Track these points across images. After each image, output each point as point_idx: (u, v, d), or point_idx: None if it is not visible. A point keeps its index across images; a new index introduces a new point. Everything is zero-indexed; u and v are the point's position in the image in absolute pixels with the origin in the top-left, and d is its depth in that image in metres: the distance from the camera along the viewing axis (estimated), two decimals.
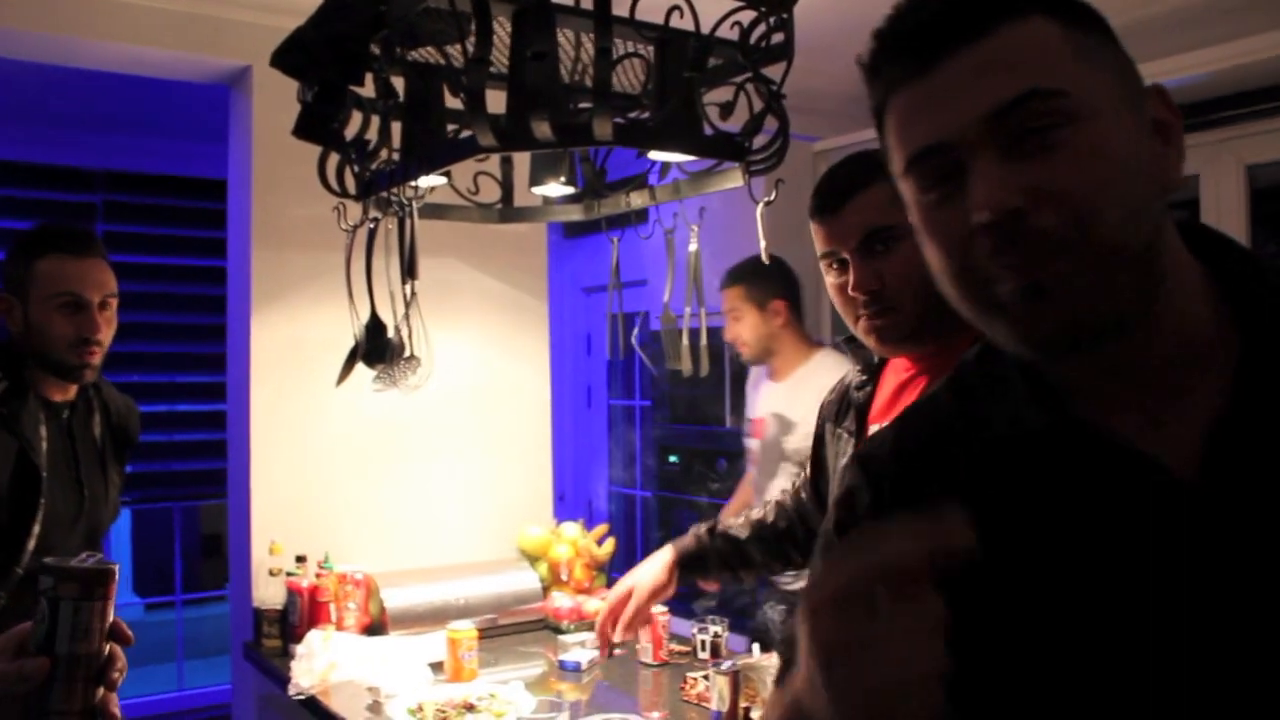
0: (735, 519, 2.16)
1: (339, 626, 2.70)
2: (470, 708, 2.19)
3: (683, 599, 4.15)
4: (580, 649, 2.65)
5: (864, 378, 1.77)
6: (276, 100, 2.83)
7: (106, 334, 2.14)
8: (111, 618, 1.04)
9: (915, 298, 1.50)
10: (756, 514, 2.13)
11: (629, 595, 2.09)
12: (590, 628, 2.85)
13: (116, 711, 1.05)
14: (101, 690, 1.03)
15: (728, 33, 1.86)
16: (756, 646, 2.42)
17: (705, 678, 2.27)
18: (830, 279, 1.62)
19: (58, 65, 3.09)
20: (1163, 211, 0.78)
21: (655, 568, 2.09)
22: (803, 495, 2.05)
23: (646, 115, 2.10)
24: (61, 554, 2.02)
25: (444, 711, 2.17)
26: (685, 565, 2.11)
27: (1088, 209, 0.74)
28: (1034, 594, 0.80)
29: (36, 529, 2.05)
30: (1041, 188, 0.74)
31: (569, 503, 5.41)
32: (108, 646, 1.04)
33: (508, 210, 2.48)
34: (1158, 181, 0.78)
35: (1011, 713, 0.81)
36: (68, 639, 1.01)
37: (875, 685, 0.65)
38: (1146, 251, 0.76)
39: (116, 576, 1.05)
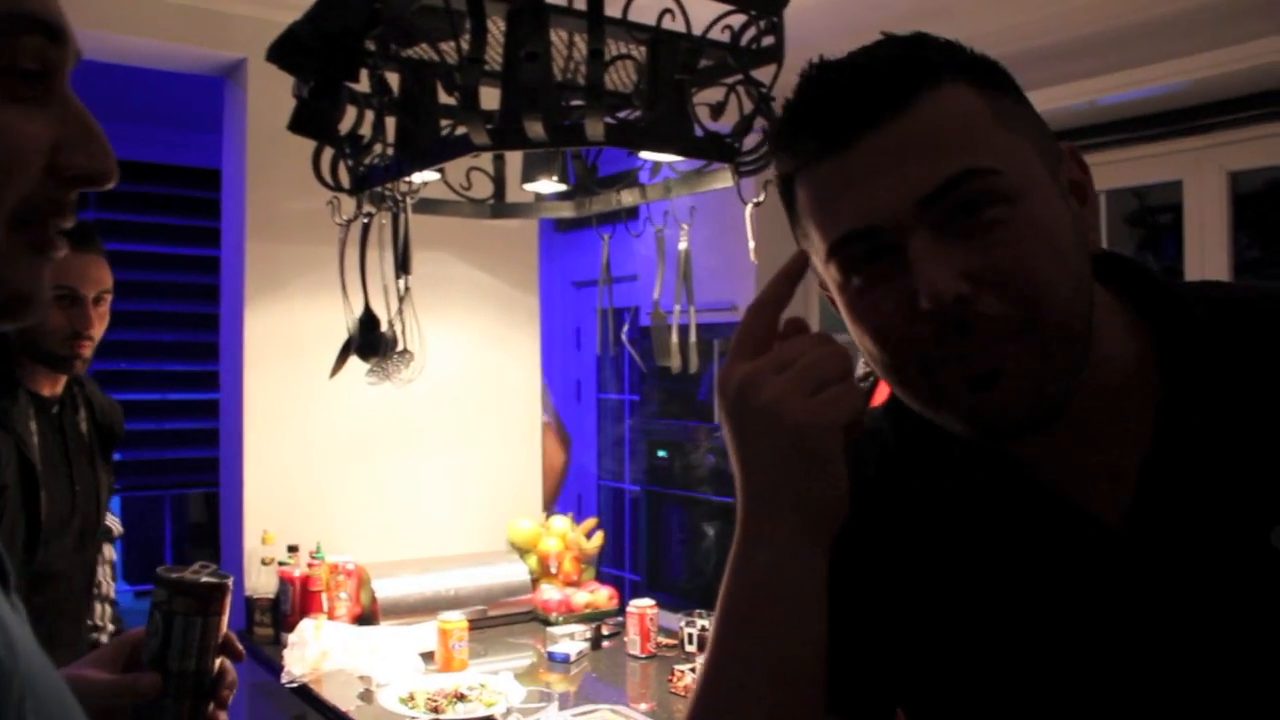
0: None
1: (330, 616, 2.73)
2: (461, 697, 2.23)
3: (669, 592, 4.18)
4: (569, 640, 2.68)
5: (867, 370, 1.80)
6: (272, 93, 2.84)
7: (99, 329, 2.16)
8: (224, 631, 1.03)
9: None
10: None
11: None
12: (578, 620, 2.89)
13: None
14: (212, 707, 1.02)
15: (720, 35, 1.89)
16: None
17: (693, 670, 2.31)
18: None
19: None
20: (1090, 275, 0.75)
21: None
22: None
23: (638, 115, 2.13)
24: (57, 552, 2.07)
25: (435, 700, 2.21)
26: None
27: (1035, 291, 0.71)
28: (965, 631, 0.81)
29: (41, 527, 2.06)
30: (984, 272, 0.71)
31: (560, 497, 5.43)
32: (219, 661, 1.03)
33: (500, 206, 2.51)
34: (1085, 247, 0.75)
35: None
36: (179, 655, 0.99)
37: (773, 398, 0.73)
38: (1087, 323, 0.74)
39: (231, 590, 1.03)
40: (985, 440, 0.77)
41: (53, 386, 2.18)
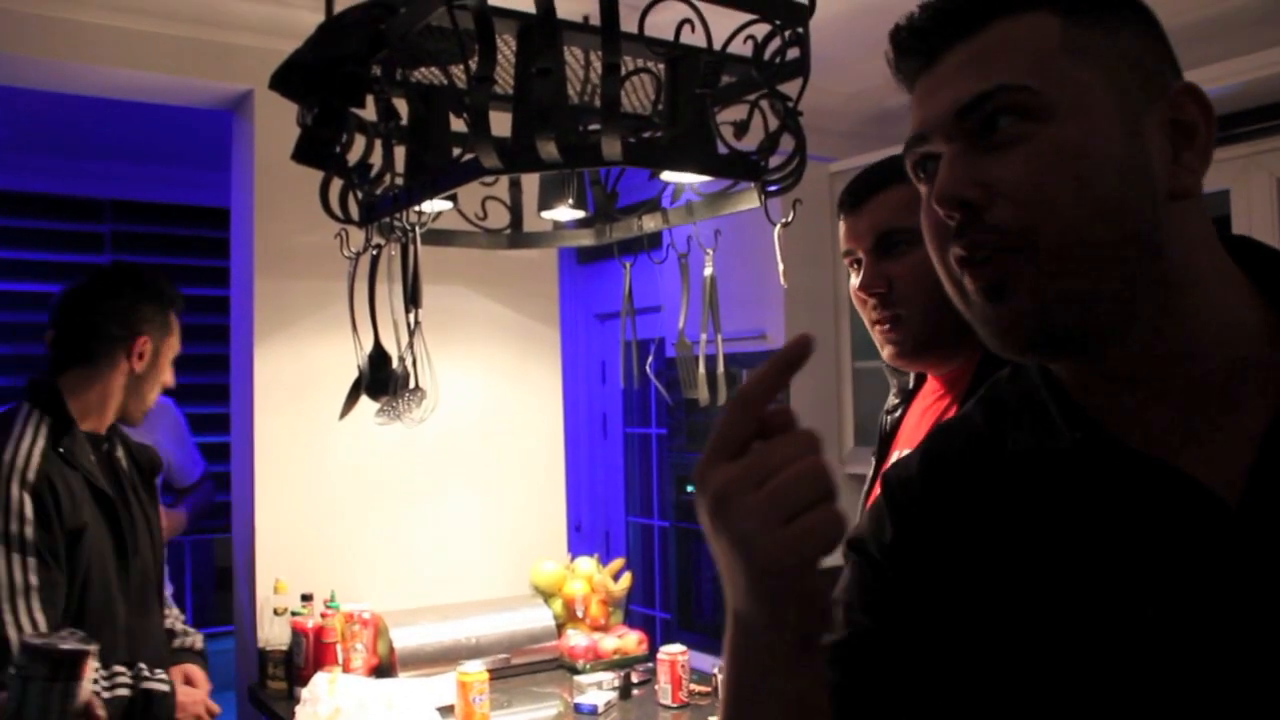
0: None
1: (346, 668, 2.61)
2: None
3: (702, 632, 4.05)
4: (597, 690, 2.55)
5: (896, 402, 1.70)
6: (278, 124, 2.77)
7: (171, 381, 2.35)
8: (83, 698, 1.03)
9: (924, 306, 1.46)
10: None
11: None
12: (607, 667, 2.76)
13: None
14: None
15: (742, 49, 1.79)
16: None
17: None
18: (851, 280, 1.58)
19: (64, 93, 3.05)
20: (1157, 215, 0.75)
21: None
22: None
23: (658, 134, 2.03)
24: (136, 582, 2.07)
25: None
26: None
27: (1043, 208, 0.73)
28: (1062, 612, 0.78)
29: (127, 553, 2.12)
30: (997, 183, 0.75)
31: (586, 534, 5.32)
32: None
33: (516, 236, 2.41)
34: (1153, 183, 0.75)
35: None
36: (35, 718, 1.01)
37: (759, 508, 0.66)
38: (1122, 255, 0.74)
39: (92, 658, 1.05)
40: (1005, 354, 0.79)
41: (98, 424, 2.21)
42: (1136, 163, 0.74)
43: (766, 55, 1.76)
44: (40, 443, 2.01)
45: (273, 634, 2.72)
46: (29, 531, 1.89)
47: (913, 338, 1.50)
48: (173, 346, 2.28)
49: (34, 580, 1.85)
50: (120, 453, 2.28)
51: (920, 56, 0.81)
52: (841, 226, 1.59)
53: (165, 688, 2.01)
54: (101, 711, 1.02)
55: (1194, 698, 0.72)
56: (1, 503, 1.90)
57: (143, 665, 2.01)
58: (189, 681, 2.26)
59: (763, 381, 0.70)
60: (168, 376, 2.29)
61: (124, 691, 1.85)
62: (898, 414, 1.69)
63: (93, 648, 1.02)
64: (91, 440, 2.17)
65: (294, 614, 2.70)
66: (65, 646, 1.02)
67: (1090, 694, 0.76)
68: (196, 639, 2.42)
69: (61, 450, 2.04)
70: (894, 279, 1.49)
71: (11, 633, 1.73)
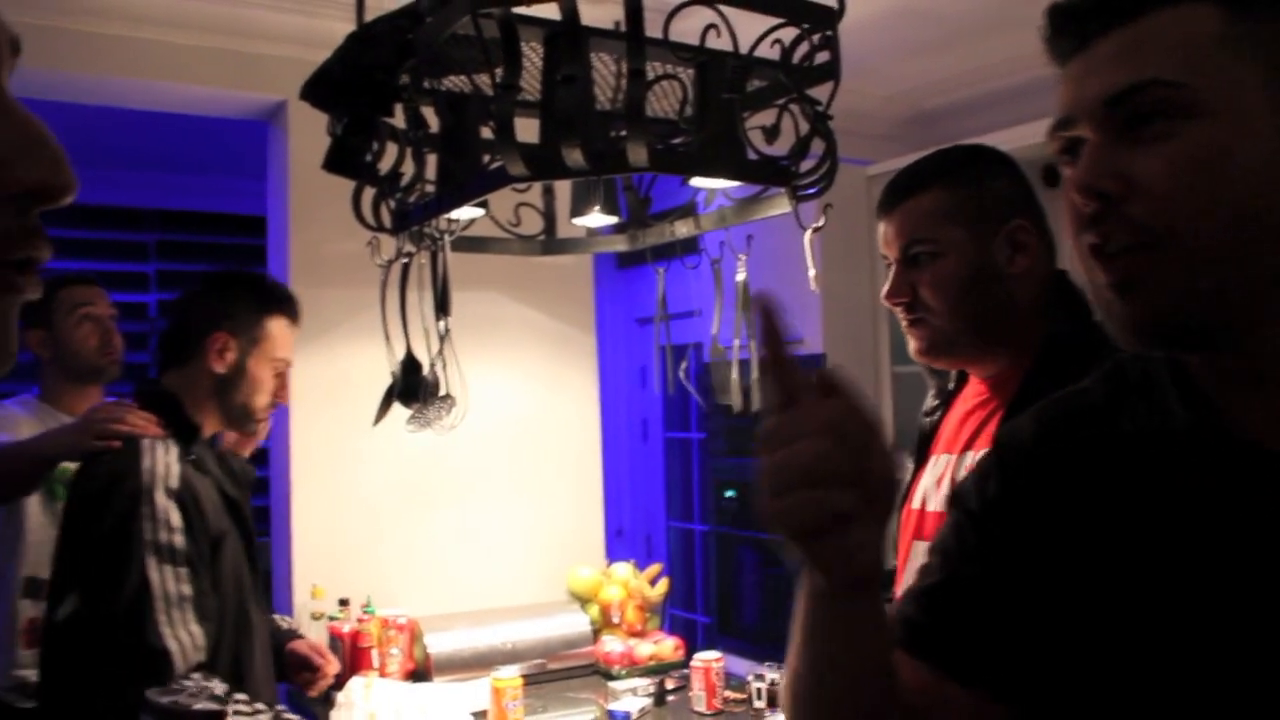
0: None
1: (382, 673, 2.62)
2: None
3: (742, 638, 4.02)
4: (631, 696, 2.55)
5: (935, 403, 1.69)
6: (312, 134, 2.78)
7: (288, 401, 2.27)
8: None
9: (947, 313, 1.48)
10: None
11: None
12: (642, 673, 2.75)
13: None
14: None
15: (772, 53, 1.77)
16: None
17: None
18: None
19: (107, 106, 3.10)
20: None
21: None
22: None
23: (688, 140, 2.02)
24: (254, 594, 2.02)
25: None
26: None
27: (1181, 208, 0.73)
28: (1161, 589, 0.79)
29: (255, 555, 2.10)
30: (1138, 178, 0.74)
31: (627, 538, 5.31)
32: None
33: (550, 242, 2.41)
34: None
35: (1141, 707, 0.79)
36: None
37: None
38: (1256, 255, 0.73)
39: (227, 715, 0.95)
40: (1134, 345, 0.80)
41: (210, 430, 2.12)
42: None
43: (795, 59, 1.75)
44: (173, 449, 1.94)
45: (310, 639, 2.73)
46: (179, 540, 1.82)
47: (936, 340, 1.51)
48: (268, 355, 2.11)
49: (187, 590, 1.79)
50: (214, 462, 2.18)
51: (1074, 38, 0.80)
52: (879, 227, 1.59)
53: None
54: None
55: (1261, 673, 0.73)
56: (149, 512, 1.82)
57: (282, 709, 1.89)
58: (318, 652, 2.31)
59: (767, 344, 0.73)
60: (267, 390, 2.12)
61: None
62: (936, 416, 1.67)
63: (228, 708, 0.92)
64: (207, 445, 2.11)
65: (331, 619, 2.72)
66: (198, 707, 0.91)
67: (1173, 664, 0.77)
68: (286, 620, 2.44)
69: (192, 457, 1.97)
70: (917, 288, 1.50)
71: (172, 645, 1.71)
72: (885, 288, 1.55)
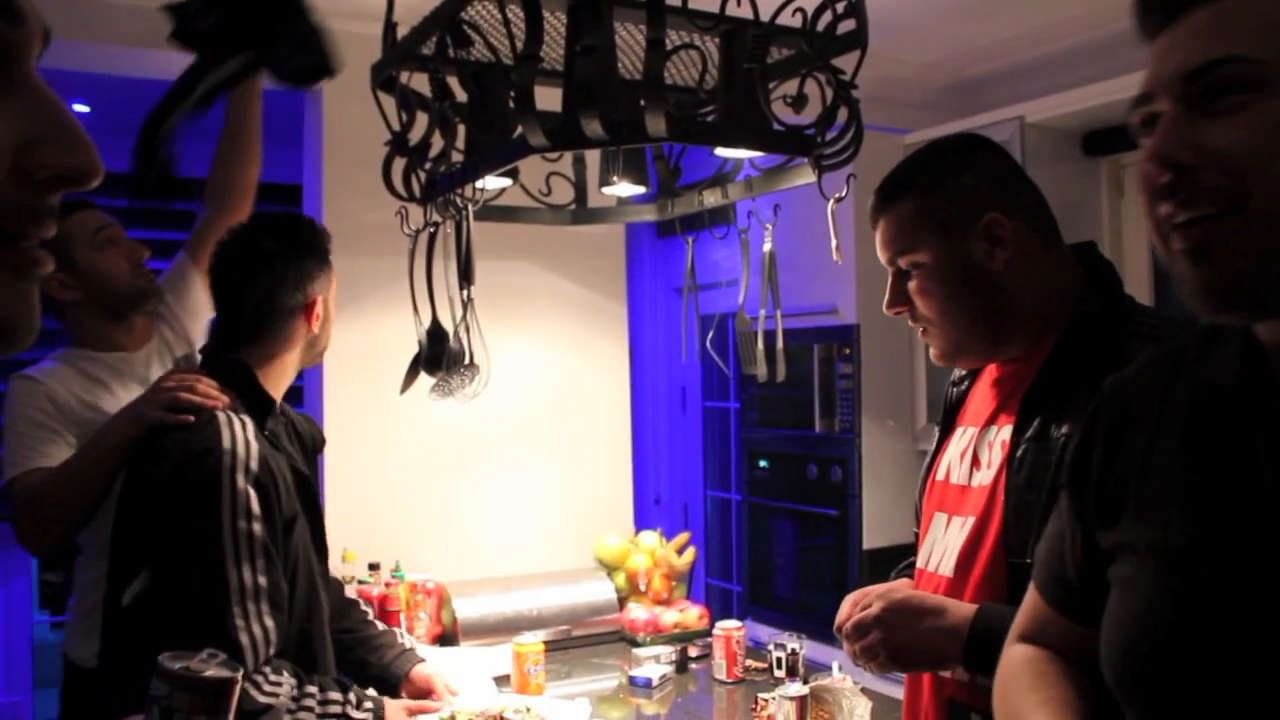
0: None
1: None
2: None
3: (772, 608, 4.04)
4: (653, 664, 2.57)
5: (962, 374, 1.68)
6: (346, 104, 2.82)
7: None
8: None
9: (944, 324, 1.48)
10: None
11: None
12: (666, 640, 2.77)
13: None
14: None
15: (792, 20, 1.76)
16: (837, 665, 2.30)
17: (777, 698, 2.17)
18: None
19: (152, 79, 3.14)
20: None
21: None
22: None
23: (712, 110, 2.01)
24: (322, 572, 1.97)
25: None
26: None
27: (1253, 176, 0.75)
28: (1196, 534, 0.87)
29: (324, 537, 2.04)
30: (1214, 148, 0.77)
31: (665, 506, 5.33)
32: None
33: (580, 211, 2.42)
34: None
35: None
36: None
37: None
38: None
39: (238, 684, 0.94)
40: (1205, 311, 0.82)
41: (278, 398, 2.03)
42: None
43: (819, 28, 1.74)
44: (250, 426, 1.81)
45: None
46: (256, 529, 1.72)
47: (945, 347, 1.52)
48: (334, 296, 2.05)
49: (262, 581, 1.71)
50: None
51: (1161, 14, 0.83)
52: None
53: (369, 717, 1.84)
54: None
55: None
56: (228, 497, 1.71)
57: (353, 694, 1.85)
58: (448, 689, 2.16)
59: None
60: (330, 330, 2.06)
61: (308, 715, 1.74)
62: (964, 386, 1.66)
63: (239, 673, 0.91)
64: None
65: (360, 583, 2.76)
66: (209, 674, 0.89)
67: (1207, 597, 0.84)
68: (408, 639, 2.31)
69: (267, 433, 1.87)
70: (912, 298, 1.50)
71: (244, 638, 1.66)
72: (885, 299, 1.56)
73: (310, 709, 1.76)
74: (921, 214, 1.46)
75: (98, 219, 2.34)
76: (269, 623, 1.71)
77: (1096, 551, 0.98)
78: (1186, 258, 0.80)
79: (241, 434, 1.78)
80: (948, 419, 1.66)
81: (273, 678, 1.72)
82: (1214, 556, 0.84)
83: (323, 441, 2.22)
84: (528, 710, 2.13)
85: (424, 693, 2.17)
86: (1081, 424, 1.04)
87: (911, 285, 1.49)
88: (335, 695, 1.81)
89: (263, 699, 1.68)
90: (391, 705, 1.96)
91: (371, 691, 1.94)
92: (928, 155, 1.55)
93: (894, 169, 1.57)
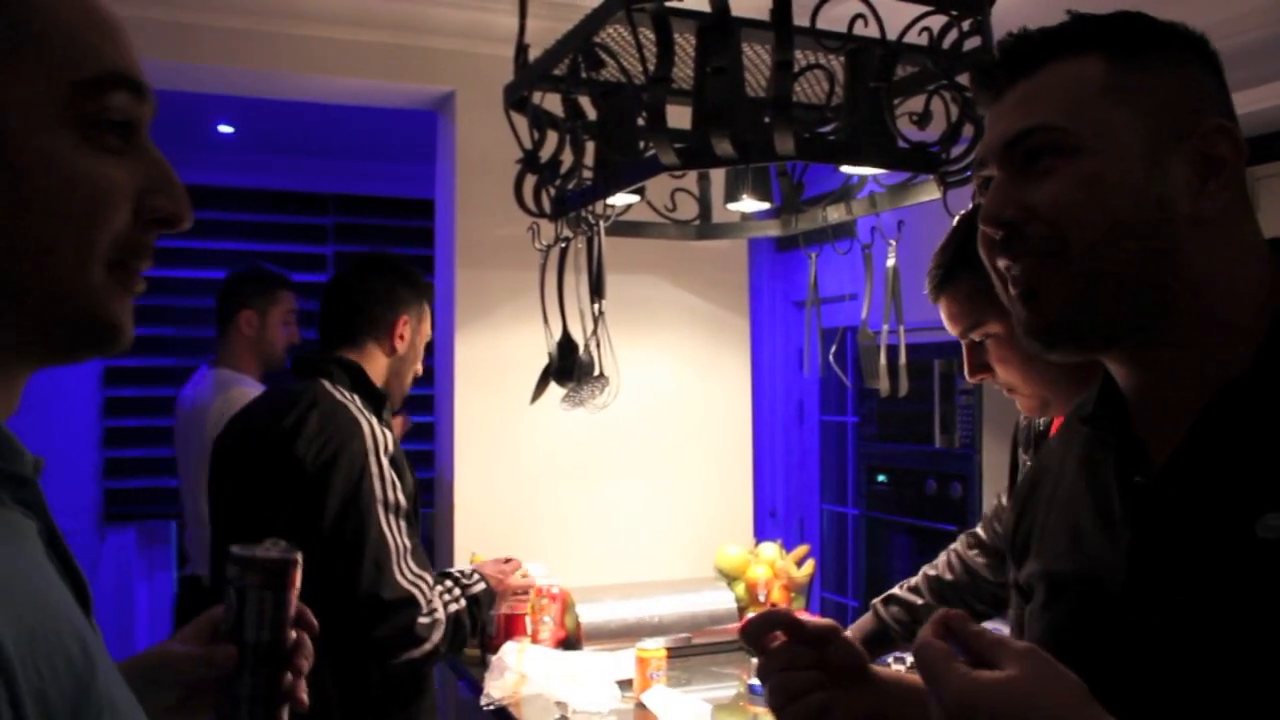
0: (914, 579, 2.09)
1: (534, 639, 2.73)
2: None
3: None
4: None
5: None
6: (479, 123, 2.92)
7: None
8: (295, 606, 1.06)
9: (1031, 384, 1.55)
10: (932, 569, 2.05)
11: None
12: None
13: (304, 697, 1.06)
14: (289, 676, 1.05)
15: (919, 39, 1.78)
16: None
17: None
18: None
19: (290, 100, 3.31)
20: (1175, 236, 0.85)
21: None
22: (972, 541, 1.99)
23: (837, 127, 2.04)
24: (417, 556, 2.17)
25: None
26: (870, 644, 2.03)
27: (1068, 226, 0.86)
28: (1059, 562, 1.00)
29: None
30: (1034, 206, 0.87)
31: (780, 520, 5.34)
32: (294, 634, 1.06)
33: (705, 227, 2.47)
34: (1173, 208, 0.85)
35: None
36: (253, 627, 1.03)
37: None
38: (1139, 269, 0.86)
39: (299, 565, 1.06)
40: (1036, 349, 0.92)
41: None
42: (1154, 191, 0.86)
43: (946, 45, 1.75)
44: (375, 416, 2.13)
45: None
46: (402, 499, 2.07)
47: (1033, 405, 1.59)
48: (425, 334, 2.33)
49: (407, 543, 2.05)
50: None
51: (991, 91, 0.94)
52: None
53: (482, 585, 2.22)
54: (313, 619, 1.08)
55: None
56: (377, 474, 2.04)
57: (460, 576, 2.22)
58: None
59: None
60: (419, 365, 2.35)
61: (457, 606, 2.09)
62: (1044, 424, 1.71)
63: (298, 555, 1.07)
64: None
65: None
66: (274, 555, 1.04)
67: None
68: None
69: (385, 424, 2.16)
70: (992, 366, 1.58)
71: (413, 589, 2.00)
72: (965, 370, 1.67)
73: (447, 601, 2.09)
74: (980, 290, 1.46)
75: (292, 302, 3.33)
76: (421, 573, 2.04)
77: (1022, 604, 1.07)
78: (1020, 302, 0.90)
79: (372, 421, 2.10)
80: (1037, 448, 1.71)
81: (433, 602, 2.05)
82: (1081, 580, 0.94)
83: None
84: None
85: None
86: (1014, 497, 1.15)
87: (989, 355, 1.56)
88: (449, 584, 2.16)
89: (437, 618, 2.04)
90: (486, 566, 2.33)
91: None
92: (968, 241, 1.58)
93: (944, 243, 1.64)
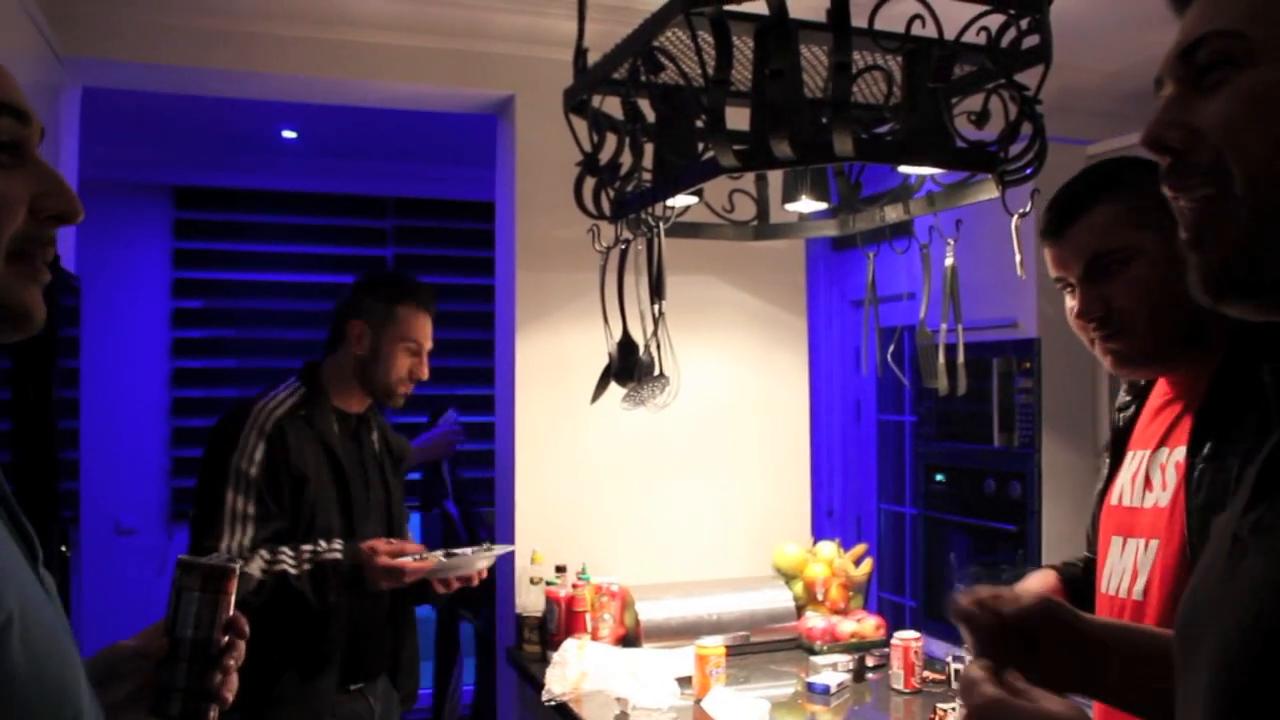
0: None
1: (594, 636, 2.77)
2: None
3: (947, 622, 4.01)
4: (831, 671, 2.61)
5: (1128, 399, 1.66)
6: (539, 127, 2.96)
7: (425, 375, 2.56)
8: (229, 612, 1.15)
9: (1149, 320, 1.43)
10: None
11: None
12: (843, 650, 2.80)
13: (228, 695, 1.15)
14: (218, 676, 1.14)
15: (976, 38, 1.78)
16: None
17: (954, 708, 2.18)
18: (1067, 303, 1.54)
19: (351, 105, 3.37)
20: None
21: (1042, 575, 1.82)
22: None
23: (895, 127, 2.05)
24: (362, 538, 2.33)
25: None
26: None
27: (1234, 151, 0.73)
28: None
29: (353, 517, 2.40)
30: (1201, 127, 0.75)
31: (837, 519, 5.32)
32: (225, 637, 1.15)
33: (762, 227, 2.48)
34: None
35: None
36: (185, 625, 1.13)
37: None
38: None
39: (236, 574, 1.16)
40: (1204, 303, 0.78)
41: (359, 406, 2.51)
42: None
43: (1004, 44, 1.76)
44: (288, 404, 2.38)
45: (529, 601, 2.91)
46: (254, 471, 2.28)
47: (1141, 351, 1.47)
48: (399, 338, 2.47)
49: (250, 510, 2.24)
50: (374, 436, 2.56)
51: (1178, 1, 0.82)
52: (1047, 253, 1.54)
53: (339, 554, 2.29)
54: (244, 625, 1.18)
55: None
56: (241, 444, 2.29)
57: (322, 542, 2.31)
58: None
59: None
60: (402, 366, 2.47)
61: (301, 567, 2.21)
62: (1130, 411, 1.64)
63: (235, 565, 1.17)
64: (339, 414, 2.47)
65: (548, 584, 2.88)
66: (211, 562, 1.16)
67: None
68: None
69: (303, 414, 2.39)
70: (1113, 300, 1.45)
71: (223, 546, 2.15)
72: (1075, 308, 1.51)
73: (283, 560, 2.22)
74: (1132, 211, 1.43)
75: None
76: (245, 542, 2.18)
77: None
78: (1189, 246, 0.77)
79: (273, 405, 2.36)
80: (1118, 444, 1.63)
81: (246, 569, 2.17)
82: None
83: (410, 452, 2.79)
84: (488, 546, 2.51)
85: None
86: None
87: (1115, 288, 1.44)
88: (306, 546, 2.28)
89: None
90: (364, 546, 2.33)
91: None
92: (1109, 168, 1.54)
93: (1070, 185, 1.54)
